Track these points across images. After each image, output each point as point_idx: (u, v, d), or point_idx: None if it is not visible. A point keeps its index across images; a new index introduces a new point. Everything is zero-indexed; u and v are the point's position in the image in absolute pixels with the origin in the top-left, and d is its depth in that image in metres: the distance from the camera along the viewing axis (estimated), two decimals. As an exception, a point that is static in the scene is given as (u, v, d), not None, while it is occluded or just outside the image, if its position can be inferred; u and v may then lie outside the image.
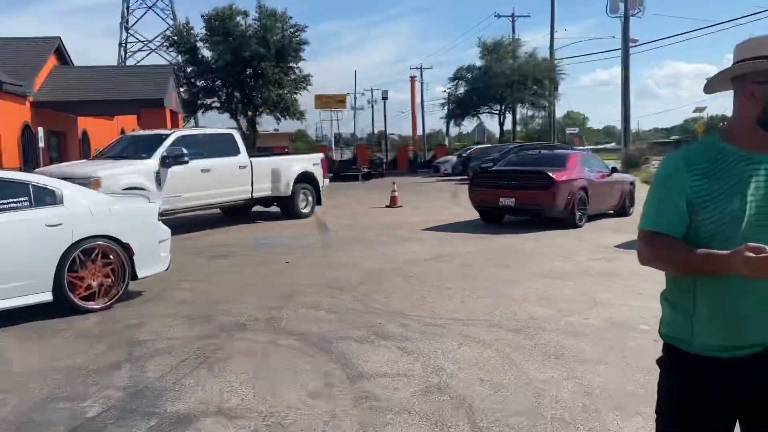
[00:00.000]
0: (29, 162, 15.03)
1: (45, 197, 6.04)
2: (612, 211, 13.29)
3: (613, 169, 13.88)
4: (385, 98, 45.44)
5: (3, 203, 5.73)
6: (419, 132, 47.95)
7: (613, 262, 8.29)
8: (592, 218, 12.30)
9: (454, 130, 56.04)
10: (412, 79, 42.82)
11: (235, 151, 12.82)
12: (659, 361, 1.93)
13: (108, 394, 4.02)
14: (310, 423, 3.54)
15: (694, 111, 60.61)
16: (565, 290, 6.69)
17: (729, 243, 1.66)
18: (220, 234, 11.95)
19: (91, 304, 6.21)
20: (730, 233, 1.71)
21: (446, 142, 47.64)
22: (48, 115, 16.84)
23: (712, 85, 1.89)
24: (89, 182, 9.85)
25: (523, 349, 4.74)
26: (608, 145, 57.65)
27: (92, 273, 6.24)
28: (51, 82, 17.09)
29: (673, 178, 1.79)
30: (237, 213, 14.54)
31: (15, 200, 5.82)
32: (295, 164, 14.18)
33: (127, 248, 6.44)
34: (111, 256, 6.37)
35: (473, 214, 12.85)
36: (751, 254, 1.55)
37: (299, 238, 11.10)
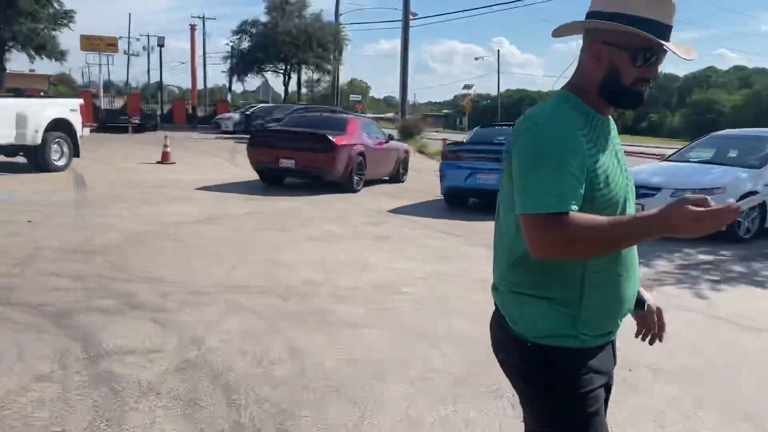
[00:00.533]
0: None
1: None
2: (387, 177, 13.74)
3: (390, 137, 14.33)
4: (161, 45, 42.35)
5: None
6: (200, 86, 45.52)
7: (384, 225, 8.49)
8: (368, 183, 12.58)
9: (238, 87, 54.18)
10: (192, 27, 40.24)
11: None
12: (541, 375, 1.57)
13: None
14: (29, 411, 2.98)
15: (463, 88, 65.99)
16: (338, 255, 6.66)
17: None
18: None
19: None
20: (614, 213, 1.52)
21: (229, 98, 45.86)
22: None
23: (563, 30, 1.66)
24: None
25: (291, 316, 4.55)
26: (387, 115, 60.30)
27: None
28: None
29: (570, 145, 1.46)
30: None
31: None
32: (46, 109, 12.42)
33: None
34: None
35: (252, 175, 12.41)
36: (695, 208, 1.35)
37: (48, 195, 9.74)
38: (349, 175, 11.61)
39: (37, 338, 3.91)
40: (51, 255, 6.00)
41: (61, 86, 62.67)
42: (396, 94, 39.56)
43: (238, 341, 4.02)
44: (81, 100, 13.86)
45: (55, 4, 29.34)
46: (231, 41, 42.36)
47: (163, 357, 3.72)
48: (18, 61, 65.93)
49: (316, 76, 45.04)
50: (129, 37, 54.46)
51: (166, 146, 15.28)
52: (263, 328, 4.29)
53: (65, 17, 29.96)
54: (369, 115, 39.43)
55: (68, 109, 12.95)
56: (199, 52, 40.71)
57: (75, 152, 13.04)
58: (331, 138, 11.24)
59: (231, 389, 3.34)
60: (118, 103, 48.42)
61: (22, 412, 2.99)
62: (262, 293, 5.12)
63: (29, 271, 5.43)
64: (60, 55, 30.76)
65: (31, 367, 3.48)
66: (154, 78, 74.90)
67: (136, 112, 29.70)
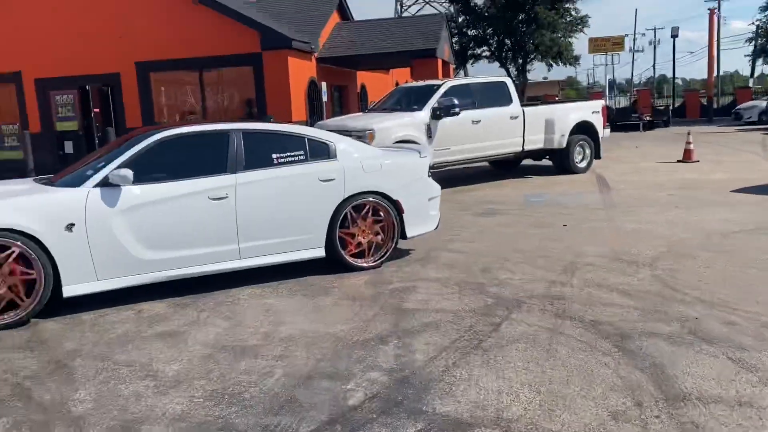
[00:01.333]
0: (315, 115, 16.00)
1: (320, 151, 5.90)
2: None
3: None
4: (675, 36, 40.35)
5: (282, 157, 5.70)
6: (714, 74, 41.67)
7: None
8: None
9: (758, 71, 47.71)
10: (711, 12, 37.02)
11: (507, 101, 11.96)
12: None
13: (372, 377, 3.59)
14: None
15: None
16: None
17: None
18: (488, 189, 11.30)
19: (361, 262, 6.00)
20: None
21: (751, 84, 40.74)
22: (330, 69, 17.73)
23: None
24: (364, 135, 9.88)
25: None
26: None
27: (362, 230, 6.00)
28: (333, 38, 17.93)
29: None
30: (505, 167, 13.81)
31: (293, 154, 5.76)
32: (571, 113, 12.84)
33: (397, 205, 6.08)
34: (381, 213, 6.07)
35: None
36: None
37: (576, 197, 9.94)
38: None
39: (600, 362, 3.66)
40: (592, 263, 5.86)
41: (569, 90, 66.38)
42: None
43: None
44: (602, 102, 13.92)
45: (572, 12, 30.99)
46: (757, 20, 37.45)
47: (762, 415, 2.97)
48: (534, 71, 72.86)
49: None
50: (634, 34, 54.00)
51: (688, 143, 14.13)
52: None
53: (580, 23, 31.39)
54: None
55: (591, 111, 13.15)
56: (715, 36, 37.24)
57: (596, 153, 13.16)
58: None
59: None
60: (622, 101, 48.44)
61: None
62: None
63: (575, 280, 5.37)
64: (574, 60, 32.41)
65: (603, 398, 3.21)
66: (657, 72, 72.42)
67: (647, 109, 28.92)
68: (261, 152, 5.64)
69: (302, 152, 5.80)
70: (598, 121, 13.15)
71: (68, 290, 4.90)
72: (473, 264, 6.05)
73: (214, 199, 5.32)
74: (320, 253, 5.82)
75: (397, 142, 10.15)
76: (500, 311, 4.63)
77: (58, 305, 5.03)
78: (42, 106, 15.86)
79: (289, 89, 14.85)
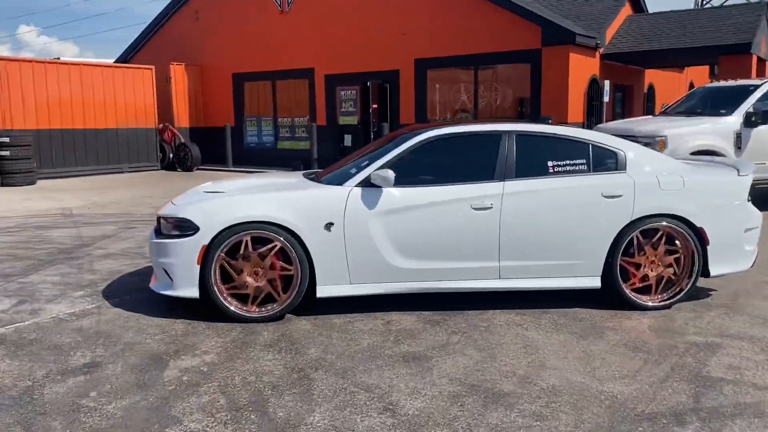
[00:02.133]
0: (592, 116, 14.66)
1: (605, 160, 4.94)
2: None
3: None
4: None
5: (559, 165, 4.88)
6: None
7: None
8: None
9: None
10: None
11: None
12: None
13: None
14: None
15: None
16: None
17: None
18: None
19: (645, 299, 4.91)
20: None
21: None
22: (615, 67, 16.14)
23: None
24: (654, 142, 8.53)
25: None
26: None
27: (651, 261, 4.91)
28: (622, 33, 16.27)
29: None
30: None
31: (572, 162, 4.90)
32: None
33: (700, 234, 4.85)
34: (677, 243, 4.90)
35: None
36: None
37: None
38: None
39: None
40: None
41: None
42: None
43: None
44: None
45: None
46: None
47: None
48: None
49: None
50: None
51: None
52: None
53: None
54: None
55: None
56: None
57: None
58: None
59: None
60: None
61: None
62: None
63: None
64: None
65: None
66: None
67: None
68: (535, 158, 4.88)
69: (584, 161, 4.90)
70: None
71: (322, 290, 4.72)
72: (804, 322, 4.56)
73: (477, 209, 4.72)
74: (595, 282, 4.88)
75: (695, 153, 8.57)
76: None
77: (310, 305, 4.90)
78: (329, 100, 17.05)
79: (567, 88, 13.76)
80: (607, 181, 4.82)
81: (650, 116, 11.27)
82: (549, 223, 4.76)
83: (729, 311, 4.86)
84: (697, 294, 5.23)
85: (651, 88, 19.52)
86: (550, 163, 4.88)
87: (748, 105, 9.01)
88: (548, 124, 5.40)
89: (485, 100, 15.02)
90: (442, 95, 15.64)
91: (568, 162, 4.89)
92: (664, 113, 10.77)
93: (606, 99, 14.56)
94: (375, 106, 15.91)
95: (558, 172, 4.86)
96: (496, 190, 4.75)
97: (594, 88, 14.92)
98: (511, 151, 4.86)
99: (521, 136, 4.93)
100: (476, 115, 15.01)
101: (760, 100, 9.03)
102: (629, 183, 4.81)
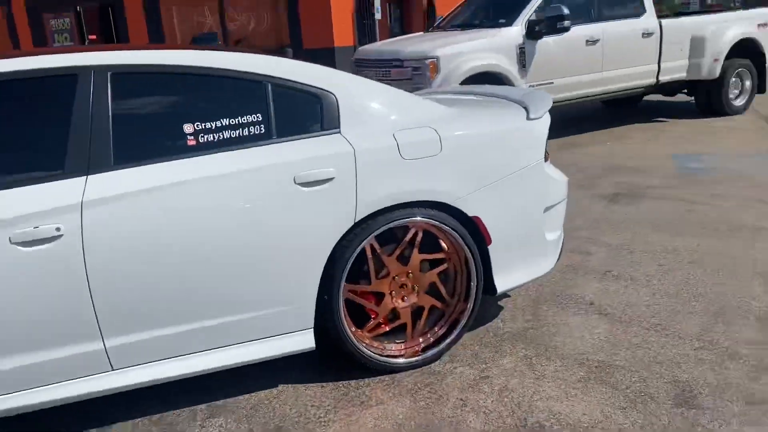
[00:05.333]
0: (365, 37, 12.53)
1: (299, 113, 2.61)
2: None
3: None
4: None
5: (209, 131, 2.46)
6: None
7: None
8: None
9: None
10: None
11: (638, 10, 8.15)
12: None
13: None
14: None
15: None
16: None
17: None
18: (612, 143, 7.67)
19: (394, 352, 2.80)
20: None
21: None
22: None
23: None
24: (423, 66, 6.49)
25: None
26: None
27: (398, 284, 2.77)
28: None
29: None
30: (622, 105, 10.07)
31: (234, 122, 2.49)
32: (730, 27, 8.83)
33: (475, 227, 2.78)
34: (442, 245, 2.80)
35: None
36: None
37: (761, 159, 6.25)
38: None
39: None
40: None
41: None
42: None
43: None
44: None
45: None
46: None
47: None
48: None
49: None
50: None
51: None
52: None
53: None
54: None
55: (756, 24, 9.09)
56: None
57: (760, 86, 9.20)
58: None
59: None
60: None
61: None
62: None
63: None
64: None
65: None
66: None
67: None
68: (156, 120, 2.42)
69: (258, 117, 2.53)
70: (765, 38, 9.12)
71: None
72: (643, 354, 2.74)
73: (24, 244, 2.18)
74: (305, 342, 2.62)
75: (473, 76, 6.70)
76: None
77: None
78: (36, 33, 13.07)
79: (329, 4, 11.37)
80: (303, 154, 2.51)
81: (421, 33, 9.26)
82: (191, 249, 2.36)
83: (535, 346, 2.91)
84: (480, 313, 3.24)
85: (431, 2, 17.84)
86: (188, 129, 2.43)
87: (529, 11, 7.27)
88: (212, 46, 2.89)
89: (236, 23, 12.17)
90: (181, 20, 12.47)
91: (225, 123, 2.48)
92: (439, 27, 8.82)
93: (378, 15, 12.43)
94: (93, 36, 12.34)
95: (205, 146, 2.44)
96: (69, 195, 2.24)
97: (364, 4, 12.70)
98: (103, 110, 2.33)
99: (124, 75, 2.40)
100: (228, 43, 12.17)
101: (543, 4, 7.33)
102: (345, 153, 2.55)
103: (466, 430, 2.36)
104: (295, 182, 2.47)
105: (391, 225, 2.65)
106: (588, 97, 7.98)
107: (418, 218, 2.68)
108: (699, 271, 3.67)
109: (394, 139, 2.62)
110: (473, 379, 2.69)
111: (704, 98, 8.99)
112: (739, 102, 9.08)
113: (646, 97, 10.10)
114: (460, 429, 2.37)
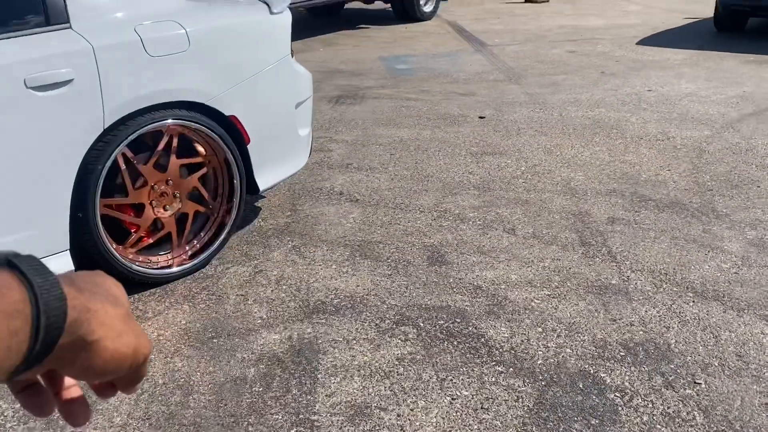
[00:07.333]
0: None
1: (15, 3, 2.23)
2: None
3: None
4: None
5: None
6: None
7: None
8: None
9: None
10: None
11: None
12: None
13: None
14: None
15: None
16: None
17: None
18: (321, 48, 7.95)
19: (162, 263, 2.71)
20: None
21: None
22: None
23: None
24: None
25: None
26: None
27: (158, 192, 2.63)
28: None
29: None
30: (323, 14, 10.40)
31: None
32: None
33: (232, 127, 2.75)
34: (199, 149, 2.72)
35: (671, 16, 8.46)
36: None
37: (452, 59, 7.09)
38: None
39: None
40: (622, 219, 3.22)
41: None
42: None
43: None
44: None
45: None
46: None
47: None
48: None
49: None
50: None
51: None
52: None
53: None
54: None
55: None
56: None
57: (442, -7, 10.26)
58: None
59: None
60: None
61: None
62: None
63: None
64: None
65: None
66: None
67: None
68: None
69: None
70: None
71: None
72: (395, 229, 3.07)
73: None
74: (62, 266, 2.37)
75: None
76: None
77: None
78: None
79: None
80: (28, 54, 2.17)
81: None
82: None
83: (296, 236, 3.04)
84: (243, 216, 3.26)
85: None
86: None
87: None
88: None
89: None
90: None
91: None
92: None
93: None
94: None
95: None
96: None
97: None
98: None
99: None
100: None
101: None
102: (83, 50, 2.26)
103: (254, 320, 2.43)
104: (26, 86, 2.14)
105: (144, 130, 2.47)
106: (294, 4, 8.05)
107: (171, 121, 2.54)
108: (424, 155, 4.14)
109: (136, 33, 2.40)
110: (249, 275, 2.74)
111: (399, 5, 9.75)
112: (428, 7, 10.03)
113: (347, 5, 10.55)
114: (247, 320, 2.43)
